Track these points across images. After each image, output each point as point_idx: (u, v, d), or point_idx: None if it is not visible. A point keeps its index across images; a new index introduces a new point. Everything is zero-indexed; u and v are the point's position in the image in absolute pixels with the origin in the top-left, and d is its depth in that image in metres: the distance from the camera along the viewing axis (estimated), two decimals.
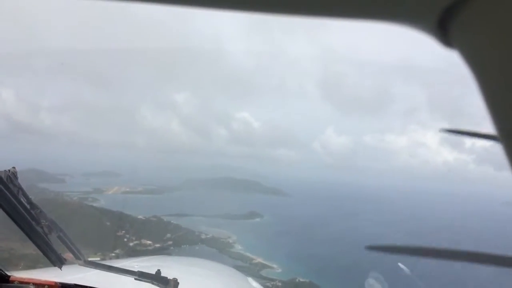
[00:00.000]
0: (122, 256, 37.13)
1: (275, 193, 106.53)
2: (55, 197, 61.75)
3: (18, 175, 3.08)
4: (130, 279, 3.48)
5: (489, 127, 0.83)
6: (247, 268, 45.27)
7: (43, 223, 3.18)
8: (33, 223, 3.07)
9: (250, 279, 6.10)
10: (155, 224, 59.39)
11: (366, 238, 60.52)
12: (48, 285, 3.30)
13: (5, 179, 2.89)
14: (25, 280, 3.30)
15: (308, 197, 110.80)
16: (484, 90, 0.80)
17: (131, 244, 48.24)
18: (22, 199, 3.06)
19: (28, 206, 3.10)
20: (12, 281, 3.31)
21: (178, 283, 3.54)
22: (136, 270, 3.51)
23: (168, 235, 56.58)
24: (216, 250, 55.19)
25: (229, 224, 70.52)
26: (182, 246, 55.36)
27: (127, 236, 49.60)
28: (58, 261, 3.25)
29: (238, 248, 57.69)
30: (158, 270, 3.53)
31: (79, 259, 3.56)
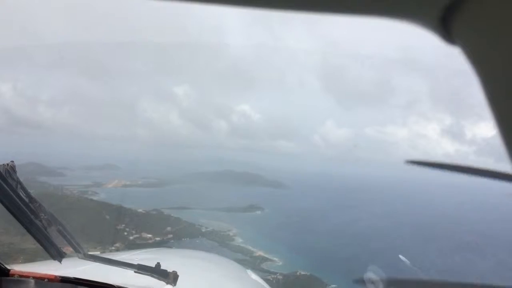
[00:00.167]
0: (122, 249, 37.22)
1: (276, 185, 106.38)
2: (54, 191, 61.76)
3: (18, 169, 3.09)
4: (130, 272, 3.49)
5: (490, 119, 0.83)
6: (248, 261, 45.31)
7: (42, 217, 3.19)
8: (32, 216, 3.07)
9: (249, 271, 6.12)
10: (155, 217, 59.48)
11: (367, 231, 60.76)
12: (48, 278, 3.30)
13: (3, 173, 2.90)
14: (25, 274, 3.31)
15: (309, 190, 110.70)
16: (485, 86, 0.80)
17: (131, 237, 48.26)
18: (21, 193, 3.06)
19: (27, 200, 3.10)
20: (12, 275, 3.32)
21: (177, 275, 3.55)
22: (135, 263, 3.52)
23: (169, 228, 56.54)
24: (217, 243, 55.23)
25: (230, 217, 70.52)
26: (183, 239, 55.30)
27: (127, 229, 49.61)
28: (57, 255, 3.27)
29: (238, 241, 57.70)
30: (158, 263, 3.55)
31: (79, 252, 3.57)
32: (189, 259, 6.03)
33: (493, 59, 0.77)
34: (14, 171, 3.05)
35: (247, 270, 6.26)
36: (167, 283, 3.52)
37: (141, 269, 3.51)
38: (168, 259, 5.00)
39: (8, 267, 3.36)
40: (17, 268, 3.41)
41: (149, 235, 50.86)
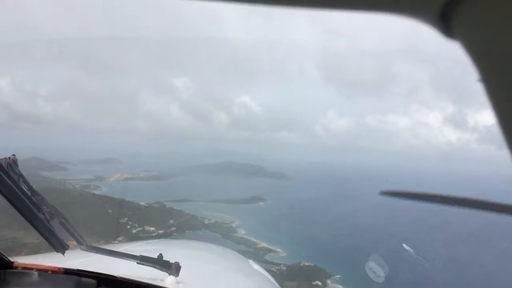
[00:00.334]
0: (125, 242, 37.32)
1: (278, 177, 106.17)
2: (57, 185, 61.83)
3: (20, 164, 3.10)
4: (132, 263, 3.52)
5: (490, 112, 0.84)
6: (251, 253, 45.35)
7: (44, 210, 3.21)
8: (35, 209, 3.09)
9: (251, 261, 6.15)
10: (158, 210, 59.42)
11: (370, 220, 60.72)
12: (51, 270, 3.33)
13: (5, 167, 2.91)
14: (29, 266, 3.33)
15: (311, 180, 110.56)
16: (485, 80, 0.81)
17: (134, 231, 48.34)
18: (23, 186, 3.08)
19: (29, 193, 3.12)
20: (16, 267, 3.34)
21: (180, 266, 3.58)
22: (138, 254, 3.55)
23: (171, 221, 56.59)
24: (220, 235, 55.20)
25: (232, 209, 70.59)
26: (186, 231, 55.39)
27: (130, 223, 49.68)
28: (60, 247, 3.28)
29: (241, 232, 57.76)
30: (160, 254, 3.57)
31: (82, 244, 3.59)
32: (191, 250, 6.06)
33: (492, 54, 0.77)
34: (16, 164, 3.06)
35: (249, 260, 6.30)
36: (170, 274, 3.55)
37: (143, 260, 3.54)
38: (171, 250, 5.03)
39: (12, 260, 3.39)
40: (21, 260, 3.43)
41: (152, 228, 50.89)
